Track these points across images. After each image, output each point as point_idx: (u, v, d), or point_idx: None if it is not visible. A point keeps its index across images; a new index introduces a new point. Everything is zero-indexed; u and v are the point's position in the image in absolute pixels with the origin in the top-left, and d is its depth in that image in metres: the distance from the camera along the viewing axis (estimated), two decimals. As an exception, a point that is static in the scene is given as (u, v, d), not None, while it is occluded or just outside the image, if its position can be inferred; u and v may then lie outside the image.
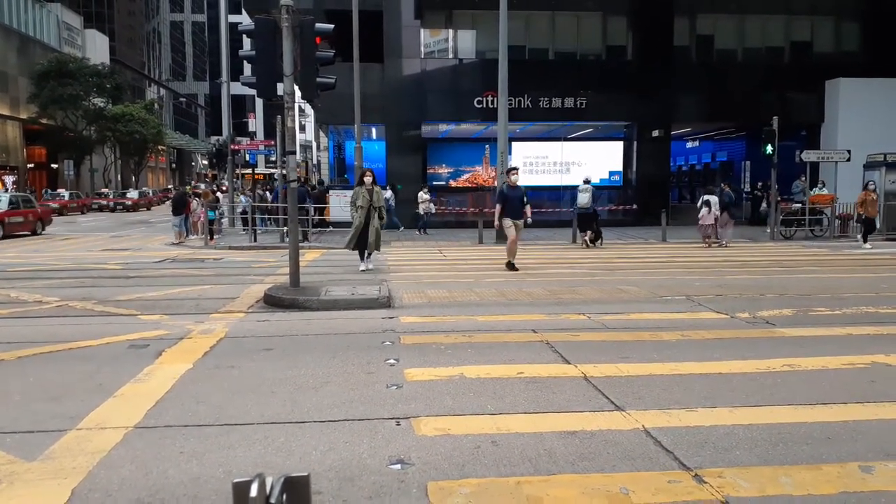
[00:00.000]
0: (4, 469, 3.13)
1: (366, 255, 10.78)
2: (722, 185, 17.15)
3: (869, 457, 3.24)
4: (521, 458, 3.22)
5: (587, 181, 17.04)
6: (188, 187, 24.24)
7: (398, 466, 3.14)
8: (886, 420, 3.76)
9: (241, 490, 0.80)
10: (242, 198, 22.40)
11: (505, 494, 2.85)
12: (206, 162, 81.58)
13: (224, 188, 26.49)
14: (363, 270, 10.55)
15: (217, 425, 3.72)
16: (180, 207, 17.92)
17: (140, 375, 4.69)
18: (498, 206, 10.95)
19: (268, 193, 24.95)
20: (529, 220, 11.22)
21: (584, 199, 16.41)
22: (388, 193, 21.83)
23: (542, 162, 23.56)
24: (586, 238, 16.08)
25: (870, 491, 2.90)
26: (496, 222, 11.07)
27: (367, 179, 10.65)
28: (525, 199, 10.96)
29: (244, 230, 19.87)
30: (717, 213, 15.70)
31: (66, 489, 2.92)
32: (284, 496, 0.82)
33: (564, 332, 6.09)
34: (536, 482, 2.97)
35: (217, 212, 19.10)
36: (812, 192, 19.02)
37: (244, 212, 19.75)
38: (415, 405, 4.03)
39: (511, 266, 10.81)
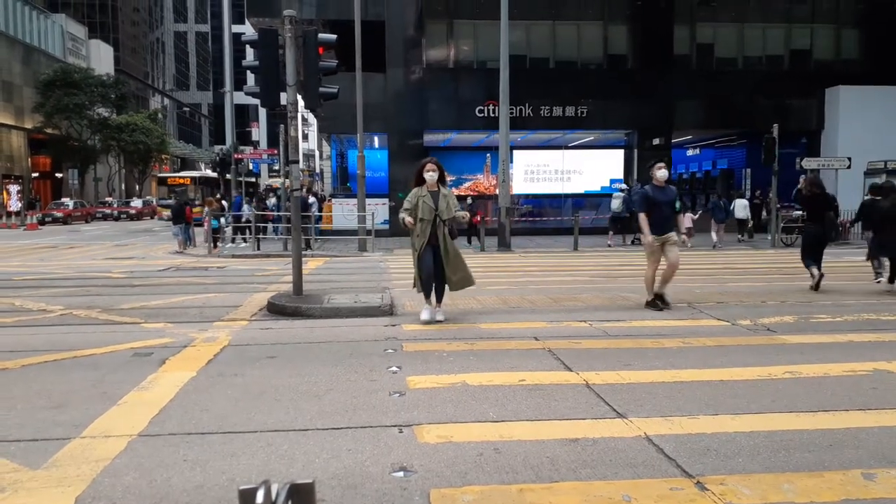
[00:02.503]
0: (9, 477, 3.14)
1: (436, 295, 7.03)
2: (713, 196, 18.80)
3: (871, 464, 3.24)
4: (523, 466, 3.23)
5: (621, 189, 18.78)
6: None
7: (401, 474, 3.15)
8: (889, 427, 3.76)
9: (247, 497, 0.81)
10: (245, 207, 22.45)
11: (507, 502, 2.86)
12: (209, 171, 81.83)
13: (219, 196, 26.73)
14: (427, 321, 6.80)
15: (220, 433, 3.73)
16: (180, 216, 18.00)
17: (144, 383, 4.71)
18: (642, 217, 7.56)
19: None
20: (685, 236, 7.99)
21: (616, 204, 18.29)
22: (312, 199, 21.78)
23: (544, 170, 23.63)
24: (610, 238, 18.30)
25: (872, 498, 2.90)
26: (645, 239, 7.65)
27: (431, 176, 6.79)
28: (678, 206, 7.79)
29: (245, 239, 19.94)
30: (693, 217, 17.94)
31: (70, 497, 2.93)
32: (290, 502, 0.84)
33: (566, 339, 6.10)
34: (539, 490, 2.97)
35: (221, 221, 19.17)
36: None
37: (248, 221, 19.82)
38: (417, 413, 4.04)
39: (659, 302, 7.68)
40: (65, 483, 3.08)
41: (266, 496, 0.83)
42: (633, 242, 18.16)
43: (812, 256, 9.33)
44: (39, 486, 3.05)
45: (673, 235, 7.62)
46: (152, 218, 42.72)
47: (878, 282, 9.58)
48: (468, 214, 7.01)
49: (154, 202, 48.04)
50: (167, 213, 31.82)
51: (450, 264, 6.80)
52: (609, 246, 17.77)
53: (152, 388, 4.60)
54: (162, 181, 38.05)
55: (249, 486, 0.85)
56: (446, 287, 7.00)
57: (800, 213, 19.03)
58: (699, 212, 18.59)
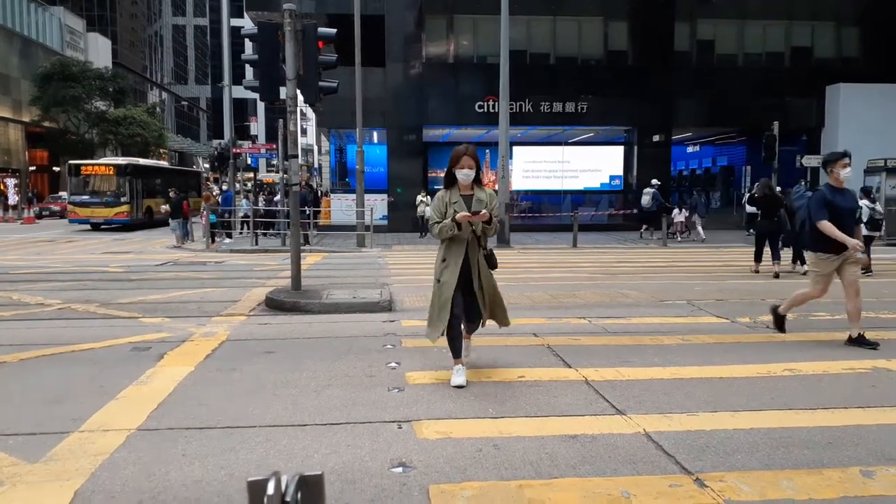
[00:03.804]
0: (7, 471, 3.14)
1: (465, 344, 4.85)
2: (695, 191, 19.87)
3: (870, 461, 3.24)
4: (522, 462, 3.22)
5: (651, 185, 19.78)
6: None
7: (400, 470, 3.15)
8: (888, 425, 3.76)
9: (256, 488, 0.81)
10: (244, 202, 22.44)
11: (507, 498, 2.86)
12: (207, 165, 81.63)
13: (216, 192, 26.49)
14: (461, 385, 4.51)
15: (219, 428, 3.72)
16: (178, 211, 17.97)
17: (142, 378, 4.70)
18: (826, 226, 5.65)
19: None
20: (861, 252, 5.94)
21: (645, 200, 19.54)
22: (279, 198, 20.99)
23: (543, 166, 23.61)
24: (643, 230, 19.93)
25: (871, 495, 2.90)
26: (816, 256, 5.85)
27: (465, 175, 4.59)
28: (859, 213, 6.11)
29: (241, 233, 19.92)
30: (687, 213, 19.44)
31: (69, 491, 2.93)
32: (299, 494, 0.83)
33: (565, 335, 6.10)
34: (538, 486, 2.97)
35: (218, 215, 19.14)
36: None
37: (246, 216, 19.80)
38: (416, 408, 4.04)
39: (863, 340, 5.64)
40: (63, 477, 3.07)
41: (276, 488, 0.83)
42: (669, 236, 19.13)
43: (762, 248, 11.21)
44: (38, 480, 3.05)
45: (858, 254, 5.79)
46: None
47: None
48: (496, 216, 4.61)
49: (66, 199, 34.29)
50: (87, 212, 24.28)
51: (486, 305, 4.66)
52: (641, 237, 19.37)
53: (151, 383, 4.59)
54: (75, 170, 25.53)
55: (259, 478, 0.84)
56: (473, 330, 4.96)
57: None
58: (686, 209, 19.66)
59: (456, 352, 4.64)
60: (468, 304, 4.65)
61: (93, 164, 26.24)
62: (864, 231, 10.94)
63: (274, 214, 19.15)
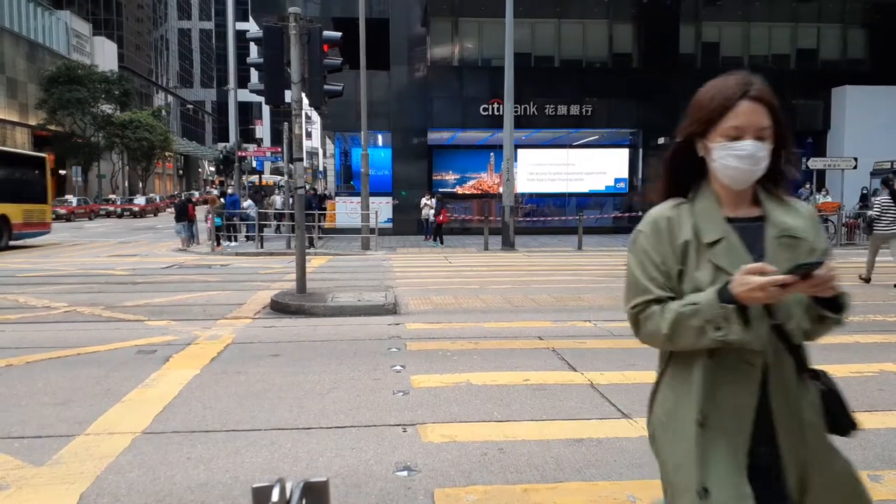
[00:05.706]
0: (13, 474, 3.15)
1: None
2: None
3: (878, 465, 3.22)
4: (527, 466, 3.21)
5: None
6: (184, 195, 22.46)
7: (405, 473, 3.14)
8: (895, 428, 3.73)
9: (261, 495, 0.81)
10: (248, 202, 22.49)
11: (512, 502, 2.85)
12: (213, 168, 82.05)
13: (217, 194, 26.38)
14: None
15: (224, 431, 3.73)
16: (183, 214, 18.04)
17: (147, 381, 4.71)
18: None
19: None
20: None
21: None
22: (248, 203, 21.12)
23: (548, 169, 23.59)
24: None
25: (879, 500, 2.87)
26: None
27: (748, 152, 1.49)
28: None
29: (247, 236, 19.96)
30: None
31: (75, 494, 2.93)
32: (304, 501, 0.83)
33: (570, 339, 6.08)
34: (543, 490, 2.96)
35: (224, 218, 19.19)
36: (818, 200, 19.05)
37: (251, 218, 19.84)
38: (421, 412, 4.03)
39: None
40: (69, 480, 3.08)
41: (281, 495, 0.82)
42: None
43: None
44: (44, 483, 3.06)
45: None
46: (156, 215, 42.66)
47: None
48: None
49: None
50: None
51: None
52: None
53: (156, 386, 4.60)
54: None
55: (264, 485, 0.84)
56: None
57: None
58: None
59: None
60: None
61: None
62: None
63: (243, 218, 19.02)
